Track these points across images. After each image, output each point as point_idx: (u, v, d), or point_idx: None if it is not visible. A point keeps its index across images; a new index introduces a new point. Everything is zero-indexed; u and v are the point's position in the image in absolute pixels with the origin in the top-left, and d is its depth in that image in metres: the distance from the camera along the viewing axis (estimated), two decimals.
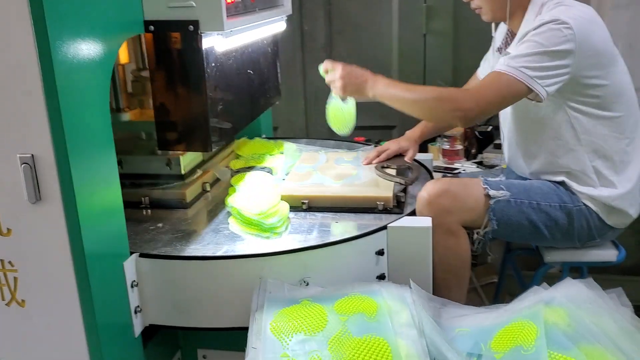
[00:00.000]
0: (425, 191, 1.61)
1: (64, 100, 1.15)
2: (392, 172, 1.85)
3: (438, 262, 1.60)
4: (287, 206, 1.62)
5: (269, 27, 1.92)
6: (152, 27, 1.46)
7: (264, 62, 1.99)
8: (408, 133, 2.04)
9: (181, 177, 1.71)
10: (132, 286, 1.41)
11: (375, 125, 2.99)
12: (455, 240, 1.61)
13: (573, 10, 1.56)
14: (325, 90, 3.32)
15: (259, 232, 1.54)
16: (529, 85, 1.51)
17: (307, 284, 1.44)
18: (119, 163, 1.71)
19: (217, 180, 1.92)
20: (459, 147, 2.60)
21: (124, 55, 1.68)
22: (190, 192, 1.75)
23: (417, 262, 1.54)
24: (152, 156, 1.71)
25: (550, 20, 1.52)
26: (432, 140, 2.66)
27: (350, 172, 1.85)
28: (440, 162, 2.60)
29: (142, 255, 1.43)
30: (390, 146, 1.96)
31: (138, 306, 1.44)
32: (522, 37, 1.58)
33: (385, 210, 1.65)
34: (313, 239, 1.50)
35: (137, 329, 1.45)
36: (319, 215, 1.66)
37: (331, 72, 1.78)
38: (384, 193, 1.67)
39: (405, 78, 2.71)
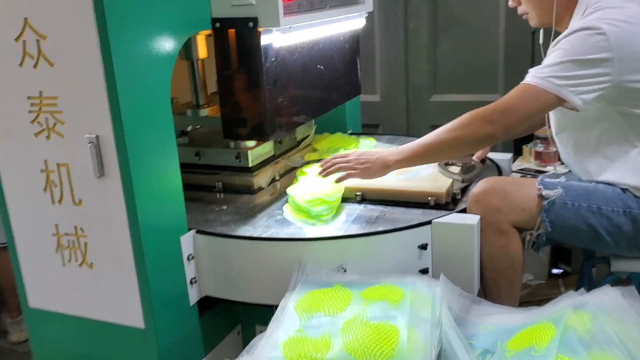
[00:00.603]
0: (476, 189, 1.60)
1: (122, 89, 1.32)
2: (456, 169, 1.84)
3: (487, 261, 1.59)
4: (337, 196, 1.68)
5: (342, 23, 1.99)
6: (217, 24, 1.60)
7: (339, 58, 2.06)
8: None
9: (249, 170, 1.83)
10: (188, 259, 1.57)
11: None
12: (505, 240, 1.57)
13: (613, 13, 1.47)
14: (429, 88, 3.33)
15: (306, 219, 1.62)
16: (558, 94, 1.45)
17: (345, 271, 1.50)
18: (197, 154, 1.89)
19: (290, 170, 2.03)
20: (554, 149, 2.49)
21: (202, 51, 1.84)
22: (257, 180, 1.87)
23: (462, 259, 1.54)
24: (225, 149, 1.85)
25: (581, 28, 1.46)
26: (528, 141, 2.58)
27: (413, 168, 1.87)
28: (532, 164, 2.51)
29: (198, 231, 1.58)
30: None
31: (194, 278, 1.59)
32: (556, 44, 1.52)
33: (437, 206, 1.66)
34: (354, 229, 1.56)
35: (193, 299, 1.60)
36: (371, 207, 1.70)
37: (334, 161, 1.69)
38: (437, 189, 1.67)
39: (512, 76, 2.65)
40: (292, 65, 1.76)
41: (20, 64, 1.40)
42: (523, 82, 1.53)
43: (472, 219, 1.53)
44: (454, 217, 1.56)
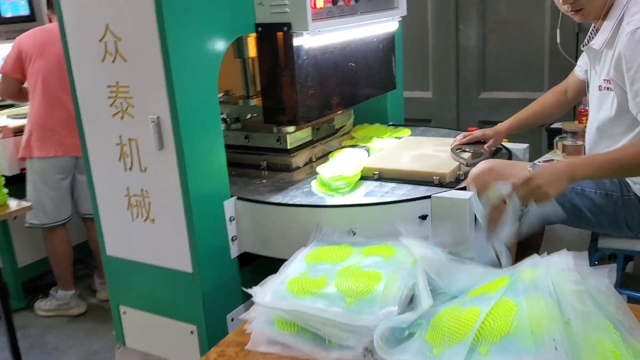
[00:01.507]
0: (474, 169, 1.85)
1: (177, 81, 1.69)
2: (466, 155, 2.09)
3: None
4: (355, 174, 1.98)
5: (375, 27, 2.28)
6: (260, 28, 1.95)
7: (372, 56, 2.35)
8: (498, 124, 2.24)
9: (288, 151, 2.15)
10: (230, 220, 1.92)
11: None
12: (497, 214, 1.81)
13: None
14: (478, 85, 3.52)
15: (327, 191, 1.94)
16: None
17: (354, 234, 1.80)
18: (246, 137, 2.24)
19: (328, 154, 2.35)
20: (581, 143, 2.65)
21: (252, 50, 2.19)
22: (295, 161, 2.21)
23: (457, 228, 1.80)
24: (268, 134, 2.18)
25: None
26: (560, 134, 2.75)
27: (431, 153, 2.14)
28: (560, 157, 2.68)
29: (239, 198, 1.93)
30: (475, 132, 2.19)
31: (234, 236, 1.94)
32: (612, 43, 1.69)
33: (441, 184, 1.92)
34: (364, 200, 1.85)
35: (233, 253, 1.95)
36: (385, 184, 1.99)
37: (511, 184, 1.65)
38: (441, 169, 1.94)
39: (556, 76, 2.81)
40: (323, 62, 2.07)
41: (102, 60, 1.80)
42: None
43: (466, 195, 1.78)
44: (451, 193, 1.82)
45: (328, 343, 1.36)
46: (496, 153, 2.23)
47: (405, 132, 2.58)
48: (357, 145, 2.38)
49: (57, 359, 2.89)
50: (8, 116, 3.43)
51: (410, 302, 1.46)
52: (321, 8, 1.94)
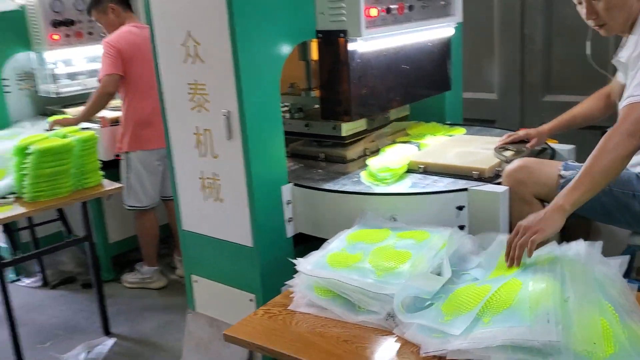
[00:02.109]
0: (510, 165, 2.01)
1: (245, 81, 1.96)
2: (508, 153, 2.24)
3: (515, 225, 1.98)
4: (401, 167, 2.19)
5: (430, 32, 2.47)
6: (320, 35, 2.19)
7: (427, 59, 2.54)
8: (542, 125, 2.37)
9: (342, 138, 2.37)
10: (287, 203, 2.17)
11: None
12: (528, 209, 1.95)
13: None
14: (542, 88, 3.61)
15: (374, 181, 2.15)
16: None
17: (395, 220, 2.01)
18: (307, 125, 2.48)
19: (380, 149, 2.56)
20: None
21: (315, 54, 2.43)
22: (350, 153, 2.43)
23: (491, 220, 1.96)
24: (326, 122, 2.40)
25: None
26: None
27: (475, 150, 2.31)
28: None
29: (296, 184, 2.18)
30: (519, 132, 2.34)
31: (290, 217, 2.19)
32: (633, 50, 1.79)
33: (480, 179, 2.09)
34: (406, 190, 2.06)
35: (289, 232, 2.20)
36: (429, 177, 2.18)
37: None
38: (481, 165, 2.11)
39: None
40: (377, 65, 2.29)
41: (184, 61, 2.10)
42: (628, 103, 1.72)
43: (500, 189, 1.95)
44: (487, 187, 1.99)
45: (357, 308, 1.58)
46: (540, 153, 2.36)
47: (460, 131, 2.74)
48: (409, 142, 2.57)
49: (138, 325, 3.27)
50: (105, 108, 3.85)
51: None
52: (375, 16, 2.15)
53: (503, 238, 1.70)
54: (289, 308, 1.65)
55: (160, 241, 3.70)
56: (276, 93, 2.09)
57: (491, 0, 3.68)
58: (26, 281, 3.82)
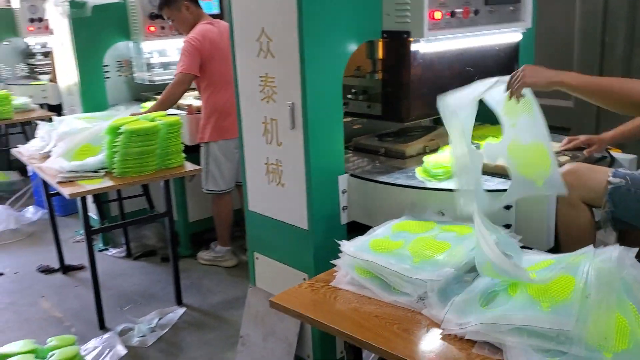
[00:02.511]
0: (560, 169, 2.05)
1: (309, 76, 2.12)
2: (564, 158, 2.28)
3: (561, 229, 2.03)
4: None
5: (496, 37, 2.53)
6: (385, 35, 2.32)
7: (492, 63, 2.60)
8: (604, 132, 2.38)
9: (401, 120, 2.45)
10: (342, 192, 2.32)
11: None
12: (575, 213, 2.00)
13: None
14: None
15: (427, 177, 2.26)
16: None
17: (443, 215, 2.10)
18: (369, 107, 2.54)
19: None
20: None
21: (380, 53, 2.56)
22: (409, 150, 2.55)
23: (537, 221, 2.02)
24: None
25: None
26: None
27: None
28: None
29: (352, 175, 2.33)
30: (581, 137, 2.36)
31: (345, 206, 2.34)
32: None
33: None
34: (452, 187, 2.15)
35: (343, 220, 2.35)
36: (483, 176, 2.25)
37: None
38: None
39: None
40: (439, 66, 2.38)
41: (257, 56, 2.29)
42: None
43: None
44: None
45: (392, 289, 1.71)
46: (599, 161, 2.38)
47: None
48: (472, 142, 2.64)
49: (208, 298, 3.52)
50: (195, 97, 4.15)
51: (471, 272, 1.75)
52: (439, 19, 2.25)
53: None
54: (331, 284, 1.80)
55: (234, 224, 3.96)
56: (338, 88, 2.24)
57: (572, 7, 3.65)
58: (113, 251, 4.19)
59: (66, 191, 2.87)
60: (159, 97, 4.25)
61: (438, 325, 1.53)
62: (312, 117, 2.17)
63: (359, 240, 1.90)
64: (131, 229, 4.20)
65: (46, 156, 3.37)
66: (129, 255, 4.14)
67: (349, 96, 2.57)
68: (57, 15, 4.01)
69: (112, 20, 4.08)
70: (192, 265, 3.93)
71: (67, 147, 3.20)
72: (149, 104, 3.96)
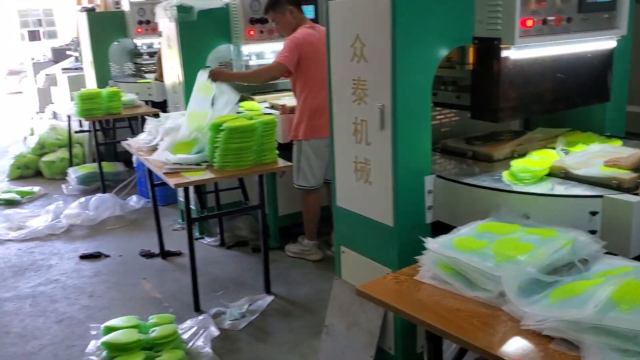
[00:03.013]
0: None
1: (400, 80, 2.23)
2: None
3: None
4: (542, 170, 2.31)
5: (589, 44, 2.54)
6: (476, 41, 2.39)
7: (584, 70, 2.60)
8: None
9: (492, 112, 2.48)
10: (428, 192, 2.41)
11: None
12: None
13: None
14: None
15: (513, 181, 2.31)
16: None
17: (528, 218, 2.15)
18: (457, 97, 2.58)
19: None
20: None
21: (472, 58, 2.62)
22: (497, 153, 2.60)
23: (623, 228, 2.03)
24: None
25: None
26: None
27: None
28: None
29: (438, 176, 2.41)
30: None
31: (430, 206, 2.43)
32: None
33: (618, 188, 2.15)
34: (541, 191, 2.19)
35: (428, 219, 2.44)
36: (569, 182, 2.28)
37: None
38: (621, 175, 2.16)
39: None
40: (530, 72, 2.42)
41: (351, 60, 2.43)
42: None
43: (635, 199, 2.00)
44: (622, 196, 2.05)
45: (474, 285, 1.79)
46: None
47: (616, 142, 2.76)
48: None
49: (294, 289, 3.70)
50: (288, 97, 4.35)
51: (552, 273, 1.80)
52: (531, 26, 2.30)
53: None
54: (414, 278, 1.90)
55: (321, 220, 4.12)
56: (428, 91, 2.34)
57: None
58: (208, 240, 4.47)
59: (172, 181, 3.13)
60: (254, 97, 4.52)
61: (517, 321, 1.60)
62: (401, 119, 2.28)
63: (443, 238, 1.99)
64: (224, 220, 4.46)
65: (153, 149, 3.66)
66: (222, 244, 4.40)
67: (439, 87, 2.64)
68: (166, 19, 4.33)
69: (215, 24, 4.35)
70: (280, 257, 4.13)
71: (173, 141, 3.48)
72: (247, 104, 4.21)
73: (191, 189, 4.01)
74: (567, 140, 2.79)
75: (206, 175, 3.24)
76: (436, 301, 1.76)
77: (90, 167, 6.16)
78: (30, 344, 3.23)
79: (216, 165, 3.27)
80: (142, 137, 3.92)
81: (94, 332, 3.10)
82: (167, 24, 4.38)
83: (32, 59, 10.96)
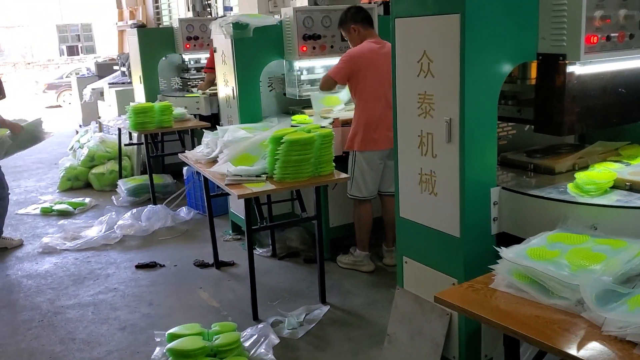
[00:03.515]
0: None
1: (468, 94, 2.31)
2: None
3: None
4: (607, 182, 2.35)
5: None
6: (540, 57, 2.45)
7: None
8: None
9: (556, 125, 2.52)
10: (493, 204, 2.47)
11: None
12: None
13: None
14: None
15: (579, 193, 2.35)
16: None
17: (596, 229, 2.20)
18: (519, 111, 2.63)
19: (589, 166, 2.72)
20: None
21: (534, 73, 2.68)
22: (559, 166, 2.65)
23: None
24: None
25: None
26: None
27: None
28: None
29: (503, 188, 2.47)
30: None
31: (496, 217, 2.48)
32: None
33: None
34: (607, 202, 2.23)
35: (493, 230, 2.50)
36: (635, 194, 2.32)
37: None
38: None
39: None
40: (592, 86, 2.47)
41: (417, 75, 2.51)
42: None
43: None
44: None
45: (550, 293, 1.84)
46: None
47: None
48: (621, 161, 2.70)
49: (348, 299, 3.77)
50: (339, 110, 4.46)
51: (626, 282, 1.85)
52: (595, 43, 2.35)
53: None
54: (490, 286, 1.96)
55: (372, 231, 4.19)
56: (494, 106, 2.41)
57: None
58: (259, 250, 4.57)
59: (235, 192, 3.24)
60: (305, 110, 4.64)
61: (598, 328, 1.65)
62: (468, 132, 2.35)
63: (516, 248, 2.05)
64: (276, 231, 4.56)
65: (212, 161, 3.79)
66: (273, 255, 4.50)
67: (500, 101, 2.69)
68: (221, 35, 4.47)
69: (268, 41, 4.49)
70: (331, 268, 4.20)
71: (231, 154, 3.60)
72: (298, 117, 4.33)
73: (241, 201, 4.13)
74: (627, 154, 2.83)
75: (267, 186, 3.34)
76: (515, 308, 1.82)
77: (140, 179, 6.33)
78: (97, 350, 3.36)
79: (276, 176, 3.37)
80: (199, 150, 4.05)
81: (158, 339, 3.21)
82: (222, 40, 4.53)
83: (77, 73, 11.30)
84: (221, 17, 6.03)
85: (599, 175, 2.42)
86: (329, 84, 4.05)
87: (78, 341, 3.47)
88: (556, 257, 1.95)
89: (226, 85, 4.64)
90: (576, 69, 2.40)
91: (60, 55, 28.17)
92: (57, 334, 3.54)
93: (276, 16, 4.72)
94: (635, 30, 2.48)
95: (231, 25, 4.30)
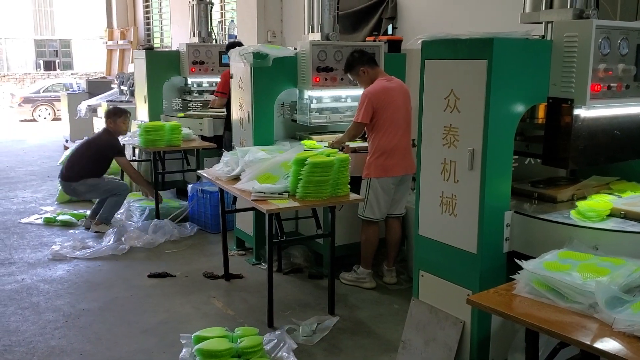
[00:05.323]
0: None
1: (491, 129, 2.67)
2: None
3: None
4: (606, 210, 2.74)
5: None
6: (550, 100, 2.85)
7: (637, 129, 3.07)
8: None
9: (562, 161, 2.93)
10: (506, 226, 2.83)
11: None
12: None
13: None
14: None
15: (580, 218, 2.73)
16: None
17: (597, 249, 2.57)
18: (527, 146, 3.05)
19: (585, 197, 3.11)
20: None
21: (542, 113, 3.07)
22: (561, 195, 3.03)
23: None
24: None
25: None
26: None
27: None
28: None
29: (515, 211, 2.84)
30: None
31: (507, 237, 2.84)
32: None
33: None
34: (604, 226, 2.62)
35: (505, 248, 2.85)
36: (629, 222, 2.70)
37: None
38: None
39: None
40: (593, 128, 2.87)
41: (444, 110, 2.88)
42: None
43: None
44: None
45: (566, 299, 2.19)
46: None
47: None
48: (612, 194, 3.10)
49: (355, 312, 4.07)
50: (352, 140, 4.81)
51: (629, 292, 2.21)
52: (598, 91, 2.76)
53: None
54: (513, 292, 2.30)
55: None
56: (511, 140, 2.78)
57: None
58: (265, 265, 4.82)
59: (264, 207, 3.53)
60: (312, 136, 4.99)
61: (608, 326, 2.00)
62: (489, 162, 2.71)
63: (533, 261, 2.40)
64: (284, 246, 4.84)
65: (232, 179, 4.08)
66: (279, 270, 4.76)
67: None
68: (240, 63, 4.80)
69: (284, 70, 4.83)
70: (335, 284, 4.49)
71: (254, 173, 3.90)
72: (307, 142, 4.67)
73: (251, 214, 4.44)
74: (617, 188, 3.24)
75: (291, 203, 3.64)
76: (537, 310, 2.16)
77: (141, 194, 6.53)
78: (124, 348, 3.56)
79: (298, 194, 3.68)
80: (218, 167, 4.33)
81: (184, 341, 3.44)
82: (240, 68, 4.85)
83: (68, 89, 11.45)
84: (229, 44, 6.38)
85: (598, 204, 2.81)
86: (359, 129, 4.35)
87: (104, 341, 3.67)
88: (568, 269, 2.31)
89: (241, 109, 4.94)
90: (581, 112, 2.80)
91: (37, 69, 28.04)
92: (83, 334, 3.73)
93: (290, 47, 5.07)
94: (630, 81, 2.90)
95: (252, 54, 4.62)
